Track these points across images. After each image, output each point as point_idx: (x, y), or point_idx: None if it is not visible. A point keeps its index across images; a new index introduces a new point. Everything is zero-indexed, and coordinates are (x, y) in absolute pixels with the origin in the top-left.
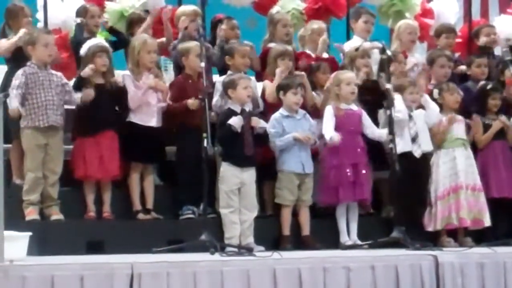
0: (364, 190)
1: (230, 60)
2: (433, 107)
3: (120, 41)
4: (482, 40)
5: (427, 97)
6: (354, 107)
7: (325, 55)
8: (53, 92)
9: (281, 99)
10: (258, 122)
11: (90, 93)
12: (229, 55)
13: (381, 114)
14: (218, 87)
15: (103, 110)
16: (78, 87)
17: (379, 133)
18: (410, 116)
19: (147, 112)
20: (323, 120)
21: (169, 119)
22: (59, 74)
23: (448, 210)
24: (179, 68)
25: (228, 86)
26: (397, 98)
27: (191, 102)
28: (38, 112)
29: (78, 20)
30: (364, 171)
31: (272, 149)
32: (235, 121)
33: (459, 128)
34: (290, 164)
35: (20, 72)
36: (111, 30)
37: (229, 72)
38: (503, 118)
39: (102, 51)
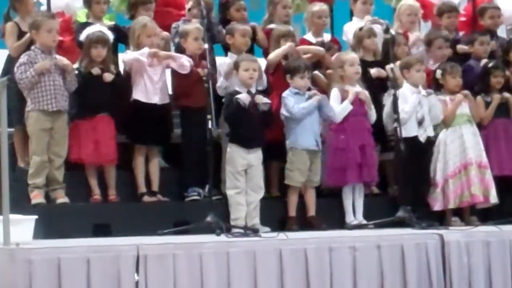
0: (371, 171)
1: (231, 39)
2: (438, 104)
3: (122, 37)
4: (487, 21)
5: (435, 96)
6: (359, 88)
7: (327, 37)
8: (60, 77)
9: (288, 81)
10: (261, 99)
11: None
12: (229, 34)
13: (386, 97)
14: (220, 69)
15: (100, 95)
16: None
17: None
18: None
19: (150, 88)
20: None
21: (173, 101)
22: (62, 58)
23: (461, 188)
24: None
25: (234, 68)
26: (405, 87)
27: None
28: (46, 96)
29: None
30: (370, 153)
31: (298, 116)
32: (243, 97)
33: (463, 106)
34: (304, 140)
35: (23, 56)
36: (115, 28)
37: (229, 53)
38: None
39: (97, 42)
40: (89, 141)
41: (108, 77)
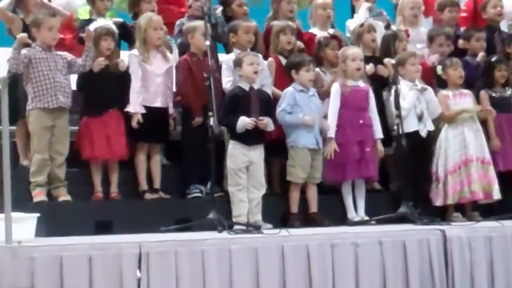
0: (370, 167)
1: (234, 37)
2: (435, 99)
3: (127, 35)
4: (489, 11)
5: (431, 91)
6: (362, 83)
7: (330, 31)
8: (60, 73)
9: (293, 77)
10: (265, 126)
11: (101, 62)
12: (233, 32)
13: (386, 94)
14: (225, 65)
15: (108, 90)
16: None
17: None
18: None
19: (152, 92)
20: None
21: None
22: (63, 53)
23: (460, 184)
24: (182, 48)
25: (235, 64)
26: (403, 85)
27: (197, 120)
28: (47, 94)
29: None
30: (369, 149)
31: (279, 121)
32: (243, 125)
33: (467, 102)
34: (304, 140)
35: (24, 50)
36: (121, 25)
37: (234, 49)
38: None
39: (107, 34)
40: (101, 138)
41: (122, 67)
